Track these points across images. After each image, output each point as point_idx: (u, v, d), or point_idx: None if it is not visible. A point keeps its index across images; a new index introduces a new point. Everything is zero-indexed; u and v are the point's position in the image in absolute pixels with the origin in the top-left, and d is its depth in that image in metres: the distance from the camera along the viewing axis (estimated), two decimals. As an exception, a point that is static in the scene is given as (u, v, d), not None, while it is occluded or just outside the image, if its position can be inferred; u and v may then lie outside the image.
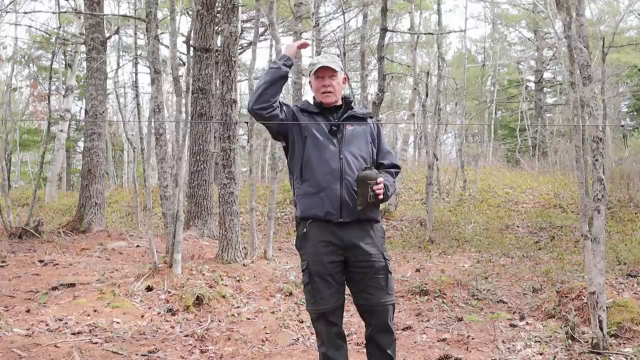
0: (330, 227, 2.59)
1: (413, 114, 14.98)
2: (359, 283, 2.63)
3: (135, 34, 15.20)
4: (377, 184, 2.53)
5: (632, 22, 20.28)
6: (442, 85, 13.35)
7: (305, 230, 2.64)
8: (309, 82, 2.81)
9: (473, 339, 4.11)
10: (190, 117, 8.85)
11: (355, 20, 20.51)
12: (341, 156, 2.62)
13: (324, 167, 2.60)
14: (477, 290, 5.47)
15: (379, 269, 2.61)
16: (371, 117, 2.82)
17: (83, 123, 15.17)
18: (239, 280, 5.61)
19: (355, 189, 2.57)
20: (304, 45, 2.85)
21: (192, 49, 9.07)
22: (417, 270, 6.54)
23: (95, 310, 4.55)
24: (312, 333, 4.23)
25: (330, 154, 2.62)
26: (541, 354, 3.75)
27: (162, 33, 12.96)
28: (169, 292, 5.00)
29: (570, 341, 3.84)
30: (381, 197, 2.54)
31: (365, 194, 2.52)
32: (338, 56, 2.79)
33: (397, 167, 2.80)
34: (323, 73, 2.69)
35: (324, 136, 2.65)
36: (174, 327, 4.35)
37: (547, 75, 25.47)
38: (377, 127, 2.81)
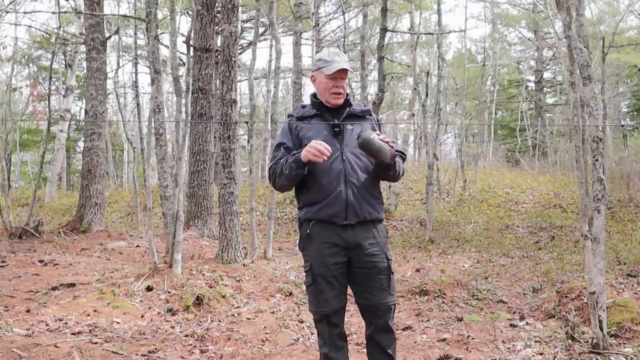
0: (335, 229, 2.56)
1: (413, 114, 14.94)
2: (362, 283, 2.61)
3: (135, 34, 15.19)
4: (378, 135, 2.51)
5: (632, 22, 20.32)
6: (442, 85, 13.36)
7: (308, 231, 2.61)
8: (312, 77, 2.71)
9: (473, 339, 4.11)
10: (190, 117, 8.85)
11: (355, 20, 20.54)
12: (344, 158, 2.58)
13: (328, 174, 2.56)
14: (477, 290, 5.46)
15: (381, 269, 2.60)
16: (370, 115, 2.77)
17: (83, 123, 15.16)
18: (239, 280, 5.61)
19: (369, 162, 2.57)
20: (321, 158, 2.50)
21: (192, 49, 9.07)
22: (417, 270, 6.53)
23: (95, 310, 4.55)
24: (312, 333, 4.23)
25: (333, 158, 2.56)
26: (541, 354, 3.75)
27: (162, 33, 12.96)
28: (169, 292, 5.00)
29: (570, 341, 3.84)
30: (392, 144, 2.53)
31: (380, 148, 2.47)
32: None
33: (402, 153, 2.75)
34: (338, 75, 2.62)
35: (325, 140, 2.57)
36: (174, 327, 4.35)
37: (547, 75, 25.49)
38: (377, 121, 2.78)
